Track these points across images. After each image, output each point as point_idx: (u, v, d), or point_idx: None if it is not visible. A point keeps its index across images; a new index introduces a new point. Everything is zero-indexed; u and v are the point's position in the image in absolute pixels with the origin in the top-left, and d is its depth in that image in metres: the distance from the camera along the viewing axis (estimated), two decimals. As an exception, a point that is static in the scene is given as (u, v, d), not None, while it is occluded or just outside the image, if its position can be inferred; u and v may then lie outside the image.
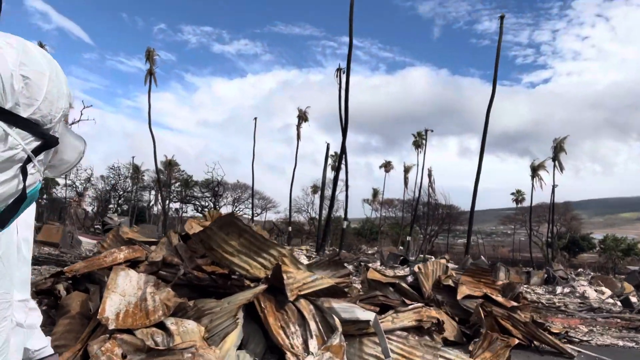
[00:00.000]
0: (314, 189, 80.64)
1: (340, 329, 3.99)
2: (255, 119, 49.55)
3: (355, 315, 4.32)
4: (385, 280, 7.78)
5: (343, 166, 77.94)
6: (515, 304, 7.19)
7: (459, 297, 6.97)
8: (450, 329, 6.56)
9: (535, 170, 58.21)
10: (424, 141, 61.24)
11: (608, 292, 14.12)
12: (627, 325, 9.58)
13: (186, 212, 56.22)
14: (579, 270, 26.80)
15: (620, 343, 8.17)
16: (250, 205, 79.52)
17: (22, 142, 0.82)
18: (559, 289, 15.11)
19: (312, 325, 4.06)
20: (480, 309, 6.57)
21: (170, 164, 65.23)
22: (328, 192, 78.96)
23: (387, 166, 76.91)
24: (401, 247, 50.21)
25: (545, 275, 18.87)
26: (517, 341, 4.80)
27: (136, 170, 67.51)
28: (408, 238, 50.16)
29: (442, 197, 62.99)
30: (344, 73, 31.82)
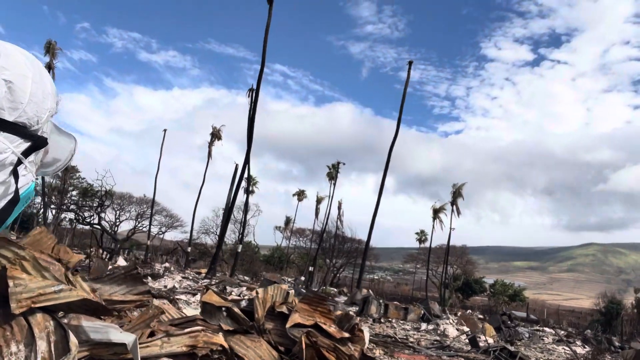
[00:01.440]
0: (227, 212, 78.60)
1: (73, 352, 3.34)
2: (165, 130, 47.61)
3: (108, 336, 3.71)
4: (219, 304, 7.23)
5: (256, 189, 76.72)
6: (347, 335, 6.94)
7: (288, 325, 6.59)
8: (268, 358, 6.11)
9: (436, 212, 61.34)
10: (338, 173, 62.46)
11: (467, 330, 14.62)
12: (469, 365, 9.77)
13: (65, 221, 51.64)
14: (454, 310, 27.98)
15: (455, 382, 8.23)
16: (155, 222, 75.38)
17: (10, 145, 0.85)
18: (423, 326, 15.44)
19: (42, 346, 3.37)
20: (304, 338, 6.22)
21: (67, 170, 60.31)
22: (240, 215, 77.29)
23: (300, 195, 77.29)
24: (302, 277, 49.88)
25: (422, 312, 19.33)
26: None
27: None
28: (311, 268, 49.99)
29: (349, 230, 63.94)
30: (252, 93, 31.51)
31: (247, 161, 31.45)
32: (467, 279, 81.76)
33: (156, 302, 9.14)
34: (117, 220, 71.64)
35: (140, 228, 70.67)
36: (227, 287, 17.90)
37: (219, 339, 4.33)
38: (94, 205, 34.05)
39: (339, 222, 58.98)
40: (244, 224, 41.35)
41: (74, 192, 66.54)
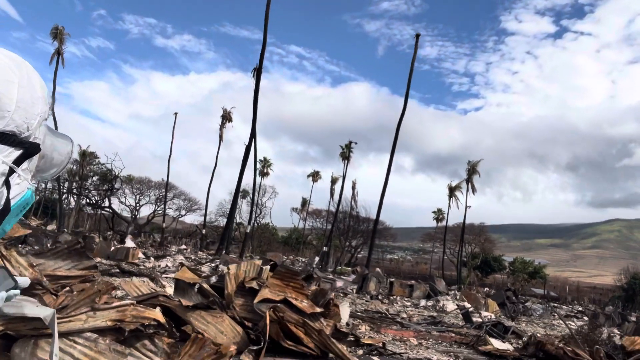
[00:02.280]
0: (243, 193, 79.23)
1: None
2: (176, 114, 47.68)
3: (22, 310, 3.52)
4: (190, 281, 7.08)
5: (271, 170, 76.78)
6: (319, 310, 6.73)
7: (255, 300, 6.40)
8: (232, 335, 5.95)
9: (452, 190, 60.40)
10: (351, 153, 61.91)
11: (469, 307, 14.31)
12: (460, 340, 9.50)
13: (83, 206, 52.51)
14: (473, 288, 27.59)
15: (443, 358, 7.97)
16: (173, 206, 76.47)
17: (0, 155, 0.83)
18: (423, 302, 15.18)
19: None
20: (269, 314, 6.02)
21: (85, 155, 61.22)
22: (259, 198, 77.39)
23: (315, 176, 77.06)
24: (317, 258, 49.96)
25: (427, 290, 19.06)
26: (232, 348, 4.21)
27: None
28: (325, 248, 49.97)
29: (364, 209, 63.49)
30: (260, 73, 31.09)
31: (252, 139, 31.20)
32: (485, 257, 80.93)
33: (136, 280, 9.09)
34: (137, 205, 73.08)
35: (160, 212, 71.98)
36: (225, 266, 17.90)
37: (153, 313, 4.13)
38: (104, 189, 34.40)
39: (352, 202, 58.62)
40: (252, 204, 41.19)
41: (95, 178, 68.26)
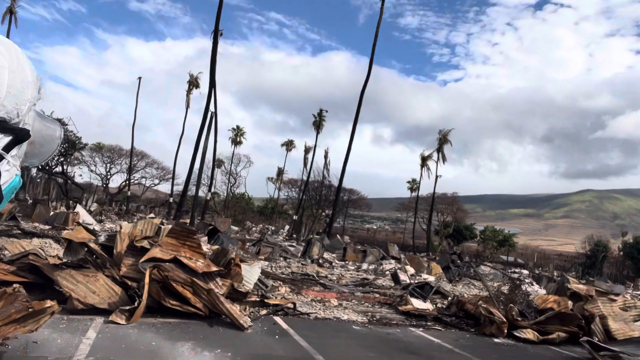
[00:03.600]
0: (218, 163, 78.31)
1: None
2: (140, 78, 46.06)
3: None
4: (80, 240, 6.69)
5: (244, 139, 75.53)
6: (215, 269, 6.44)
7: (142, 260, 6.07)
8: (106, 294, 5.62)
9: (424, 160, 60.61)
10: (323, 122, 61.32)
11: (412, 270, 14.35)
12: (384, 301, 9.42)
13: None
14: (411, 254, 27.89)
15: (354, 317, 7.84)
16: (147, 174, 75.25)
17: None
18: (364, 265, 15.19)
19: None
20: (149, 272, 5.70)
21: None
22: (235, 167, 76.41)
23: (289, 145, 76.38)
24: (287, 226, 49.94)
25: (381, 255, 19.11)
26: (56, 307, 3.89)
27: None
28: (295, 217, 49.94)
29: (336, 178, 63.39)
30: (220, 35, 29.99)
31: (208, 105, 30.33)
32: (457, 226, 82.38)
33: (37, 241, 8.66)
34: (108, 174, 71.68)
35: (134, 181, 70.92)
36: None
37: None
38: (57, 155, 33.29)
39: (325, 171, 58.42)
40: (212, 173, 40.35)
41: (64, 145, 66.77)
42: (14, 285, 3.93)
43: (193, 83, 45.87)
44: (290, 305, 7.30)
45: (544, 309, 8.08)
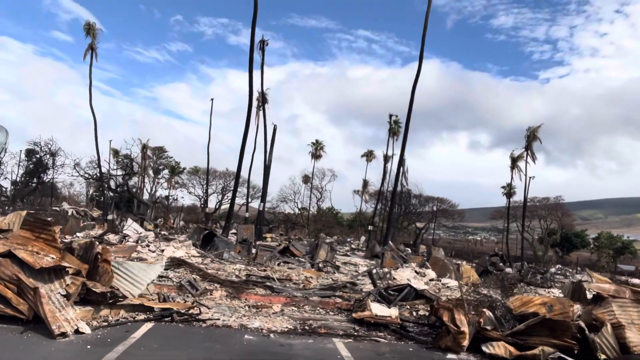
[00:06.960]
0: (305, 178, 79.38)
1: None
2: (212, 99, 48.02)
3: None
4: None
5: (323, 153, 75.66)
6: (67, 265, 5.44)
7: (-27, 253, 5.26)
8: None
9: (514, 161, 55.29)
10: (399, 128, 59.09)
11: (432, 274, 12.17)
12: (346, 307, 7.74)
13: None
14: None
15: (271, 326, 6.32)
16: (242, 195, 78.78)
17: None
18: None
19: None
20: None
21: (145, 148, 64.24)
22: (316, 182, 76.95)
23: (369, 156, 74.83)
24: (363, 237, 48.19)
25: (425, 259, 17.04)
26: None
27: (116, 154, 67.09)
28: (370, 227, 48.10)
29: (415, 187, 60.21)
30: (266, 45, 29.84)
31: (249, 113, 29.91)
32: (566, 233, 74.03)
33: None
34: (205, 195, 76.63)
35: (225, 201, 74.87)
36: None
37: None
38: (124, 174, 35.52)
39: (403, 180, 55.79)
40: (247, 184, 40.13)
41: (165, 170, 73.73)
42: None
43: (259, 99, 46.67)
44: (184, 310, 6.04)
45: (524, 314, 5.85)
